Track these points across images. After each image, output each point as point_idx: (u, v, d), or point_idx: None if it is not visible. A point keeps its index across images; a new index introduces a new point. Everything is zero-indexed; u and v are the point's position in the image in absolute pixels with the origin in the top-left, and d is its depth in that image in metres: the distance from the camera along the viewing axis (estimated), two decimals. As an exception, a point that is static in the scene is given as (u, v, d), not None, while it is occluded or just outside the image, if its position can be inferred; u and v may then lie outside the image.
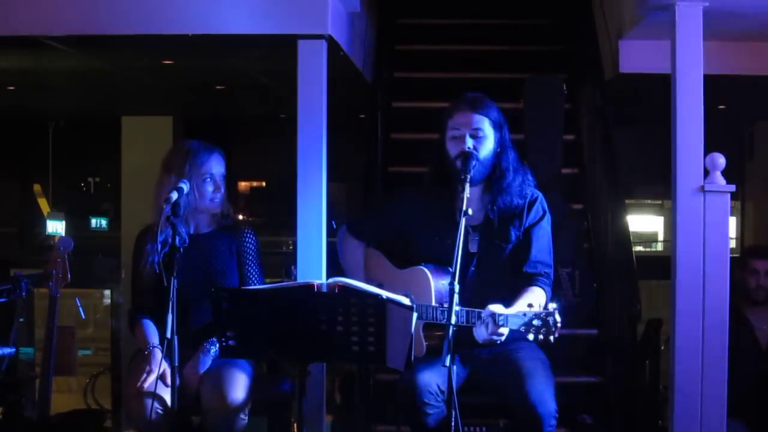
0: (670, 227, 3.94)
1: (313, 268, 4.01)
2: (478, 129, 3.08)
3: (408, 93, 5.86)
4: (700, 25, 3.86)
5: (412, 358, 2.63)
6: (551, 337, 2.70)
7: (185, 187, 3.13)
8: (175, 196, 3.01)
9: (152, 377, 3.09)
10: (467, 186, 2.90)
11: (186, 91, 7.35)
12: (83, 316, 6.58)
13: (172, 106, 8.45)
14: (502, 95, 3.40)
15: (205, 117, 9.25)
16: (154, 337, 3.28)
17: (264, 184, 11.84)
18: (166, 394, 3.01)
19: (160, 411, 3.03)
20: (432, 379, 2.92)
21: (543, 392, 2.93)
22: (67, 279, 3.44)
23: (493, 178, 3.12)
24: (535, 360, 3.08)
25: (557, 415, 2.93)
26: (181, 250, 3.08)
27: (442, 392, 2.90)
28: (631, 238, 4.54)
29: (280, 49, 4.30)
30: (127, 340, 5.02)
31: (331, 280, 2.79)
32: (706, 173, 3.81)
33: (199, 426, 3.21)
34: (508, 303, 2.86)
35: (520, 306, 2.79)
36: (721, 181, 3.80)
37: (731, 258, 3.85)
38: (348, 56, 4.81)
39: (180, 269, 2.92)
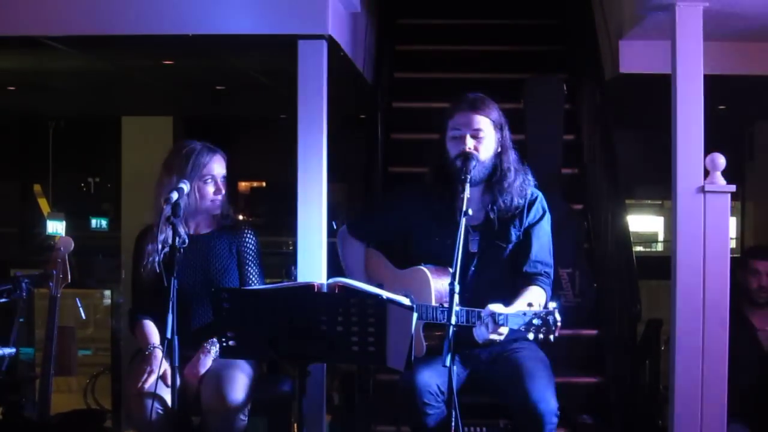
0: (671, 227, 3.94)
1: (313, 268, 4.01)
2: (478, 129, 3.08)
3: (408, 93, 5.86)
4: (700, 25, 3.86)
5: (412, 358, 2.63)
6: (551, 336, 2.70)
7: (185, 187, 3.14)
8: (175, 196, 3.01)
9: (153, 377, 3.09)
10: (467, 186, 2.91)
11: (186, 91, 7.35)
12: (83, 317, 6.57)
13: (172, 106, 8.46)
14: (503, 95, 3.39)
15: (205, 117, 9.25)
16: (154, 337, 3.28)
17: (264, 184, 11.85)
18: (167, 395, 3.01)
19: (160, 411, 3.03)
20: (432, 380, 2.93)
21: (544, 390, 2.93)
22: (68, 279, 3.44)
23: (494, 178, 3.12)
24: (536, 359, 3.08)
25: (558, 413, 2.93)
26: (181, 250, 3.08)
27: (442, 392, 2.90)
28: (632, 238, 4.53)
29: (280, 49, 4.30)
30: (127, 340, 5.02)
31: (331, 281, 2.79)
32: (706, 173, 3.81)
33: (199, 426, 3.21)
34: (508, 303, 2.86)
35: (520, 305, 2.79)
36: (722, 181, 3.80)
37: (731, 258, 3.85)
38: (348, 56, 4.80)
39: (180, 269, 2.93)
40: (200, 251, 3.36)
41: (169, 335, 2.82)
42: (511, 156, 3.16)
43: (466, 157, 3.02)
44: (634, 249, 4.47)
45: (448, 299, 2.66)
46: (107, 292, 6.42)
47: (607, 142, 4.78)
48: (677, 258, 3.82)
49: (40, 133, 10.38)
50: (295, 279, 3.98)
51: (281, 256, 7.06)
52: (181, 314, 2.90)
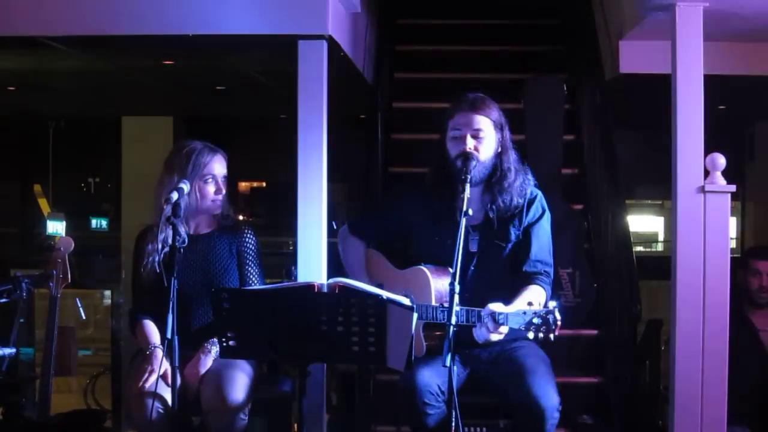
0: (671, 227, 3.94)
1: (313, 268, 4.01)
2: (479, 129, 3.08)
3: (408, 93, 5.86)
4: (700, 26, 3.85)
5: (412, 358, 2.63)
6: (551, 336, 2.70)
7: (185, 187, 3.14)
8: (175, 196, 3.01)
9: (153, 377, 3.10)
10: (467, 186, 2.91)
11: (186, 91, 7.35)
12: (83, 317, 6.57)
13: (172, 106, 8.46)
14: (503, 96, 3.39)
15: (205, 117, 9.25)
16: (154, 337, 3.28)
17: (264, 184, 11.85)
18: (167, 394, 3.01)
19: (160, 410, 3.03)
20: (432, 380, 2.93)
21: (545, 385, 2.94)
22: (68, 279, 3.44)
23: (494, 178, 3.13)
24: (536, 357, 3.09)
25: (560, 408, 2.93)
26: (181, 250, 3.08)
27: (442, 392, 2.90)
28: (632, 238, 4.53)
29: (281, 49, 4.30)
30: (127, 340, 5.02)
31: (331, 281, 2.79)
32: (707, 173, 3.81)
33: (200, 426, 3.21)
34: (507, 302, 2.86)
35: (520, 304, 2.79)
36: (722, 181, 3.79)
37: (732, 259, 3.85)
38: (348, 56, 4.80)
39: (180, 269, 2.93)
40: (200, 251, 3.36)
41: (169, 335, 2.83)
42: (512, 156, 3.16)
43: (467, 157, 3.02)
44: (634, 249, 4.47)
45: (448, 299, 2.66)
46: (107, 293, 6.42)
47: (607, 142, 4.78)
48: (677, 258, 3.82)
49: (40, 133, 10.38)
50: (295, 279, 3.99)
51: (281, 256, 7.06)
52: (181, 314, 2.91)
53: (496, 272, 3.12)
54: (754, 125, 8.65)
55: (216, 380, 3.11)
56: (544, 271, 3.12)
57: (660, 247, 10.98)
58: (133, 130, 8.89)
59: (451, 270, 2.70)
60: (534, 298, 2.89)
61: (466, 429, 3.22)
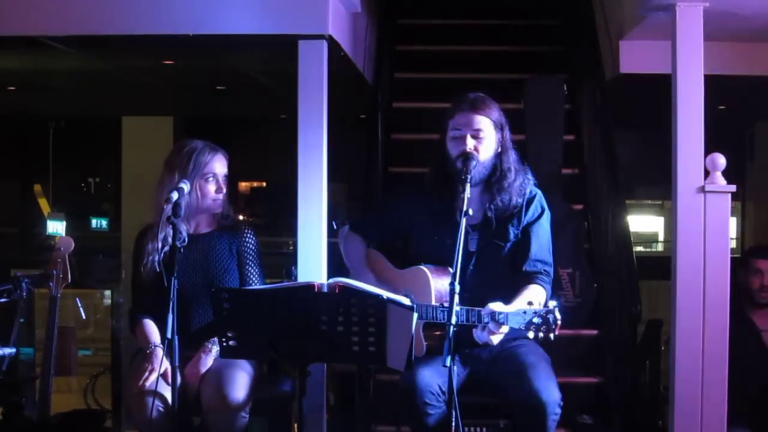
0: (671, 228, 3.93)
1: (313, 268, 4.01)
2: (479, 130, 3.08)
3: (408, 93, 5.86)
4: (700, 26, 3.85)
5: (412, 358, 2.63)
6: (551, 335, 2.70)
7: (186, 187, 3.14)
8: (175, 196, 3.01)
9: (153, 376, 3.10)
10: (468, 186, 2.90)
11: (186, 91, 7.36)
12: (83, 317, 6.57)
13: (173, 106, 8.46)
14: (503, 96, 3.39)
15: (205, 117, 9.26)
16: (154, 337, 3.28)
17: (264, 184, 11.84)
18: (167, 393, 3.01)
19: (161, 409, 3.03)
20: (433, 380, 2.93)
21: (546, 380, 2.94)
22: (68, 279, 3.44)
23: (493, 178, 3.12)
24: (537, 354, 3.09)
25: (562, 404, 2.92)
26: (182, 249, 3.08)
27: (443, 392, 2.90)
28: (632, 238, 4.53)
29: (281, 49, 4.30)
30: (127, 340, 5.02)
31: (331, 281, 2.79)
32: (707, 174, 3.81)
33: (200, 425, 3.21)
34: (507, 301, 2.86)
35: (520, 304, 2.80)
36: (722, 181, 3.79)
37: (732, 259, 3.84)
38: (348, 56, 4.80)
39: (180, 269, 2.93)
40: (200, 251, 3.36)
41: (169, 335, 2.83)
42: (511, 156, 3.16)
43: (467, 157, 3.02)
44: (634, 249, 4.47)
45: (448, 299, 2.66)
46: (107, 292, 6.43)
47: (608, 142, 4.78)
48: (677, 258, 3.82)
49: (40, 133, 10.38)
50: (295, 279, 3.99)
51: (281, 256, 7.06)
52: (180, 314, 2.90)
53: (496, 272, 3.12)
54: (754, 125, 8.65)
55: (217, 379, 3.11)
56: (544, 270, 3.12)
57: (660, 247, 10.98)
58: (133, 130, 8.89)
59: (451, 270, 2.70)
60: (534, 297, 2.89)
61: (466, 429, 3.21)
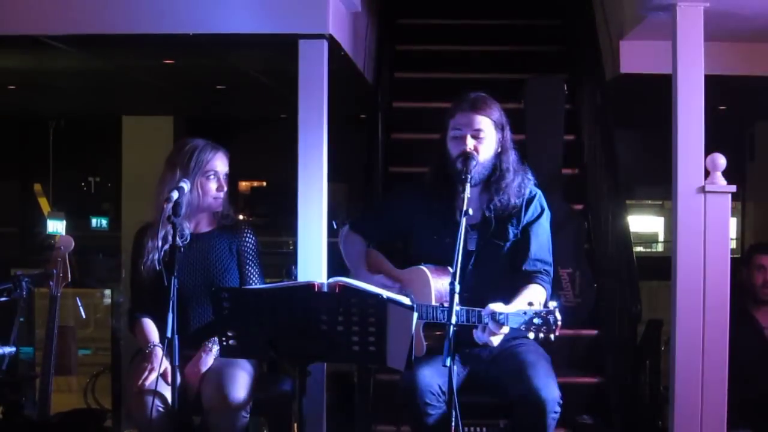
0: (671, 228, 3.94)
1: (313, 268, 4.01)
2: (479, 130, 3.08)
3: (408, 93, 5.86)
4: (700, 26, 3.86)
5: (412, 357, 2.63)
6: (552, 336, 2.70)
7: (186, 186, 3.14)
8: (175, 195, 3.01)
9: (153, 375, 3.10)
10: (468, 186, 2.90)
11: (186, 90, 7.35)
12: (83, 316, 6.57)
13: (173, 106, 8.46)
14: (503, 95, 3.39)
15: (205, 117, 9.25)
16: (154, 336, 3.28)
17: (264, 184, 11.83)
18: (167, 392, 3.01)
19: (161, 409, 3.03)
20: (434, 380, 2.92)
21: (546, 378, 2.94)
22: (68, 279, 3.44)
23: (492, 178, 3.12)
24: (536, 353, 3.09)
25: (561, 402, 2.92)
26: (182, 249, 3.08)
27: (443, 393, 2.90)
28: (632, 238, 4.53)
29: (281, 49, 4.30)
30: (127, 339, 5.02)
31: (331, 280, 2.78)
32: (707, 174, 3.81)
33: (200, 425, 3.21)
34: (507, 301, 2.85)
35: (520, 304, 2.79)
36: (722, 181, 3.79)
37: (734, 258, 3.84)
38: (349, 56, 4.80)
39: (180, 268, 2.92)
40: (200, 250, 3.36)
41: (169, 334, 2.82)
42: (511, 156, 3.15)
43: (467, 157, 3.02)
44: (634, 249, 4.47)
45: (448, 299, 2.66)
46: (107, 292, 6.43)
47: (608, 142, 4.78)
48: (677, 258, 3.82)
49: (40, 133, 10.37)
50: (296, 278, 3.98)
51: (281, 255, 7.06)
52: (180, 313, 2.90)
53: (495, 271, 3.12)
54: (754, 125, 8.65)
55: (217, 379, 3.11)
56: (544, 270, 3.12)
57: (660, 247, 10.97)
58: (134, 129, 8.89)
59: (450, 269, 2.70)
60: (534, 297, 2.89)
61: (466, 429, 3.22)
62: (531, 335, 2.72)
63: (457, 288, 2.62)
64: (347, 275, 3.20)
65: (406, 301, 2.68)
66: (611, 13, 5.31)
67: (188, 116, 9.05)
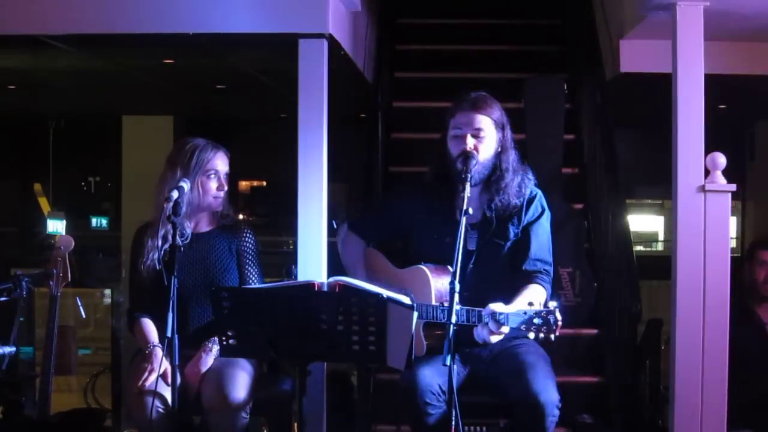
0: (671, 227, 3.94)
1: (313, 267, 4.01)
2: (479, 129, 3.08)
3: (408, 93, 5.86)
4: (700, 25, 3.85)
5: (413, 357, 2.63)
6: (552, 336, 2.70)
7: (186, 185, 3.14)
8: (175, 195, 3.01)
9: (153, 376, 3.09)
10: (468, 186, 2.90)
11: (186, 90, 7.35)
12: (83, 316, 6.57)
13: (173, 106, 8.46)
14: (503, 95, 3.39)
15: (205, 117, 9.25)
16: (153, 336, 3.27)
17: (264, 183, 11.83)
18: (167, 393, 3.01)
19: (161, 409, 3.03)
20: (434, 379, 2.92)
21: (545, 381, 2.94)
22: (68, 278, 3.44)
23: (492, 177, 3.12)
24: (536, 354, 3.09)
25: (560, 405, 2.92)
26: (182, 248, 3.07)
27: (443, 392, 2.90)
28: (632, 237, 4.53)
29: (281, 48, 4.30)
30: (127, 339, 5.02)
31: (331, 280, 2.78)
32: (707, 173, 3.81)
33: (200, 425, 3.21)
34: (507, 301, 2.85)
35: (520, 304, 2.79)
36: (722, 180, 3.79)
37: (734, 258, 3.84)
38: (348, 56, 4.80)
39: (179, 268, 2.92)
40: (200, 250, 3.36)
41: (169, 334, 2.82)
42: (511, 156, 3.15)
43: (467, 156, 3.02)
44: (634, 248, 4.47)
45: (448, 298, 2.66)
46: (107, 291, 6.43)
47: (608, 142, 4.78)
48: (677, 258, 3.82)
49: (40, 133, 10.37)
50: (296, 278, 3.98)
51: (281, 255, 7.06)
52: (179, 313, 2.90)
53: (496, 270, 3.12)
54: (754, 125, 8.64)
55: (217, 379, 3.11)
56: (544, 269, 3.12)
57: (660, 246, 10.97)
58: (134, 129, 8.89)
59: (450, 269, 2.70)
60: (534, 297, 2.89)
61: (466, 428, 3.22)
62: (531, 335, 2.72)
63: (457, 287, 2.62)
64: (346, 275, 3.20)
65: (407, 300, 2.68)
66: (611, 12, 5.31)
67: (188, 116, 9.05)
